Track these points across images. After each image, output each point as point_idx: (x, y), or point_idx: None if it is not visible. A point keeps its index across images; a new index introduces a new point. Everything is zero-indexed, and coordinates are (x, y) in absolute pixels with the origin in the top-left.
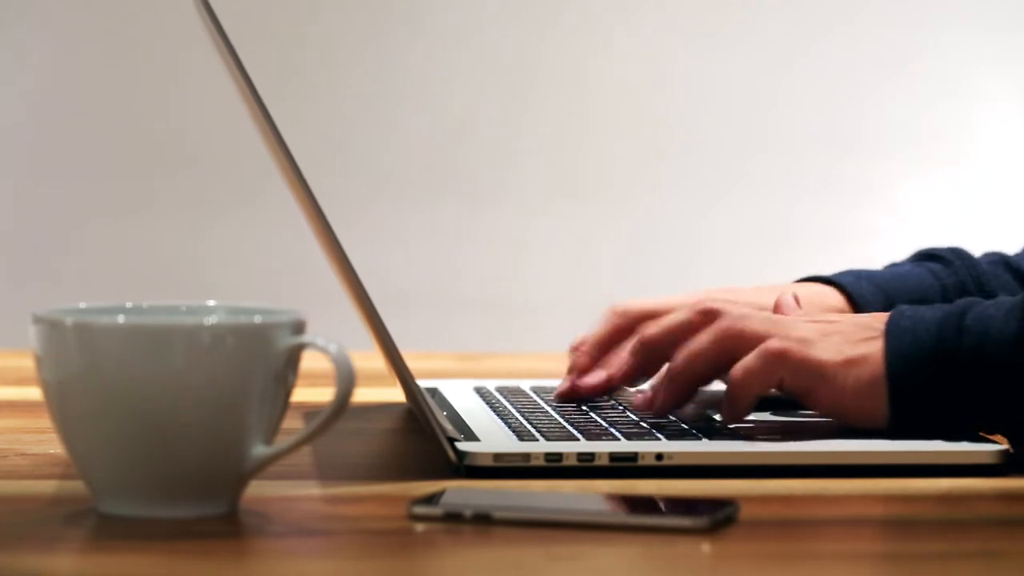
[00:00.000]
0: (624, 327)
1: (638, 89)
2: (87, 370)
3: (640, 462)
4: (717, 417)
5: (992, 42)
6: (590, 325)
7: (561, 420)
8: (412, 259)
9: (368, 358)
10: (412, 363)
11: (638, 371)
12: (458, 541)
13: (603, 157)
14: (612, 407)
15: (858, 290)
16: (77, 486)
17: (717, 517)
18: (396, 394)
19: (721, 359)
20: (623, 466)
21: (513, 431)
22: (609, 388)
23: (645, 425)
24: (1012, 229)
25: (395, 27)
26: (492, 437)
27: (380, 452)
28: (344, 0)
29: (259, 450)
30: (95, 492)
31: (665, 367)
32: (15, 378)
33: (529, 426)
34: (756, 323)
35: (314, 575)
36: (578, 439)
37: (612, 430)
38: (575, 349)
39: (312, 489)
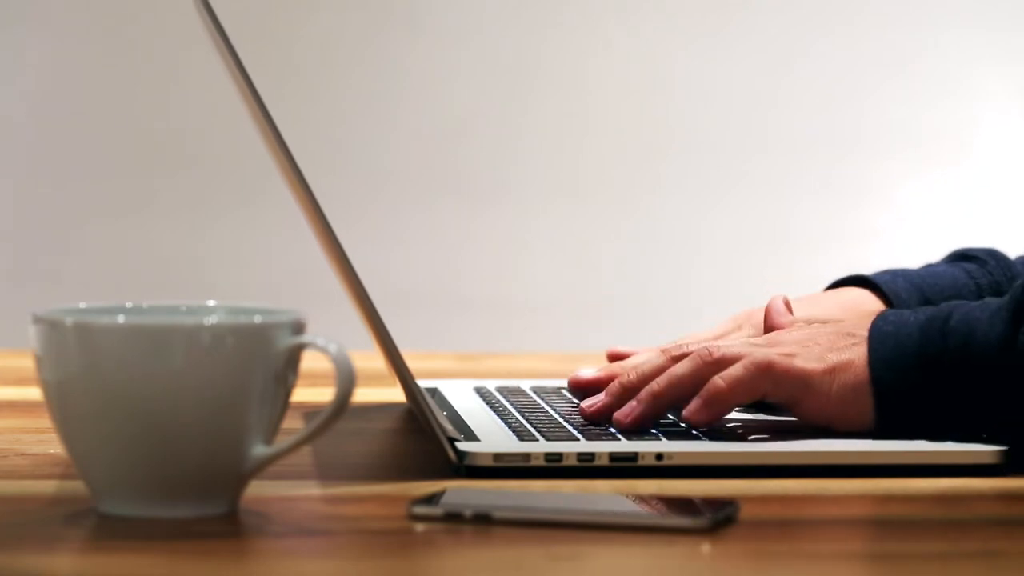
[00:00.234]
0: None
1: (638, 89)
2: (87, 370)
3: (640, 462)
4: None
5: (992, 42)
6: (589, 325)
7: (561, 420)
8: (412, 259)
9: (368, 358)
10: (412, 363)
11: (613, 411)
12: (458, 541)
13: (603, 157)
14: None
15: (894, 288)
16: (77, 486)
17: (717, 517)
18: (396, 394)
19: (702, 384)
20: (623, 466)
21: (513, 431)
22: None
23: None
24: (1012, 229)
25: (395, 27)
26: (492, 437)
27: (380, 452)
28: (344, 0)
29: (259, 450)
30: (95, 492)
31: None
32: (15, 378)
33: (529, 426)
34: (735, 347)
35: (314, 575)
36: (578, 439)
37: (612, 430)
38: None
39: (312, 489)
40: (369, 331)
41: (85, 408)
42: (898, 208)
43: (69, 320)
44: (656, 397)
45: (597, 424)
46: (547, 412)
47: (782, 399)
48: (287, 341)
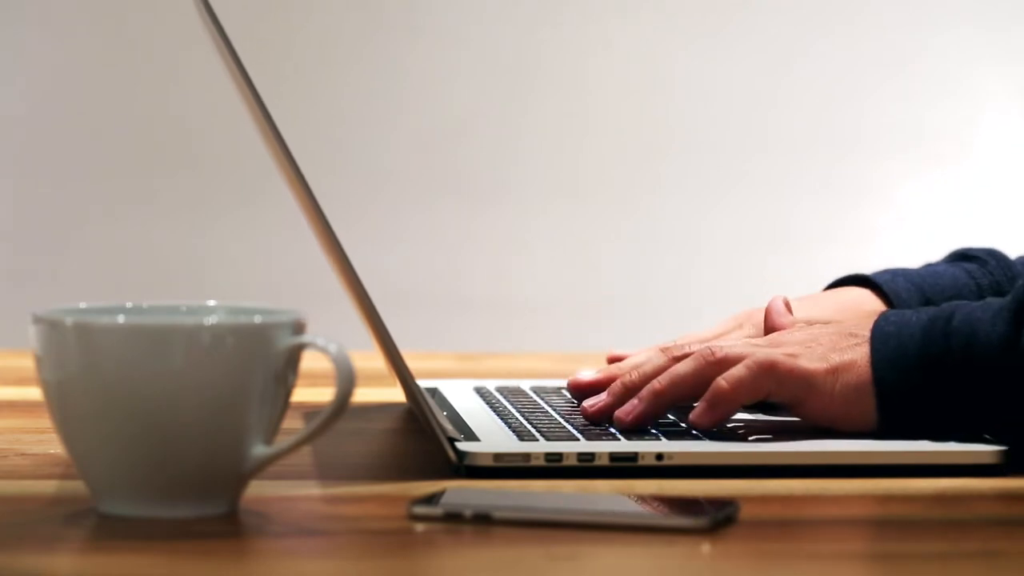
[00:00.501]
0: None
1: (638, 89)
2: (87, 370)
3: (640, 462)
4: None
5: (992, 42)
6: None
7: (561, 420)
8: (412, 259)
9: (368, 358)
10: (412, 363)
11: (614, 411)
12: (458, 541)
13: (603, 157)
14: None
15: (894, 288)
16: (77, 486)
17: (717, 517)
18: (396, 394)
19: (703, 384)
20: (623, 466)
21: (513, 431)
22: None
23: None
24: (1012, 229)
25: (395, 27)
26: (492, 437)
27: (380, 452)
28: (344, 0)
29: (259, 450)
30: (95, 492)
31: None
32: (15, 378)
33: (529, 426)
34: (738, 347)
35: (314, 575)
36: (578, 439)
37: (612, 430)
38: (612, 359)
39: (312, 489)
40: (369, 331)
41: (85, 408)
42: (898, 208)
43: (69, 320)
44: (657, 396)
45: (598, 424)
46: (547, 412)
47: (785, 399)
48: (287, 341)
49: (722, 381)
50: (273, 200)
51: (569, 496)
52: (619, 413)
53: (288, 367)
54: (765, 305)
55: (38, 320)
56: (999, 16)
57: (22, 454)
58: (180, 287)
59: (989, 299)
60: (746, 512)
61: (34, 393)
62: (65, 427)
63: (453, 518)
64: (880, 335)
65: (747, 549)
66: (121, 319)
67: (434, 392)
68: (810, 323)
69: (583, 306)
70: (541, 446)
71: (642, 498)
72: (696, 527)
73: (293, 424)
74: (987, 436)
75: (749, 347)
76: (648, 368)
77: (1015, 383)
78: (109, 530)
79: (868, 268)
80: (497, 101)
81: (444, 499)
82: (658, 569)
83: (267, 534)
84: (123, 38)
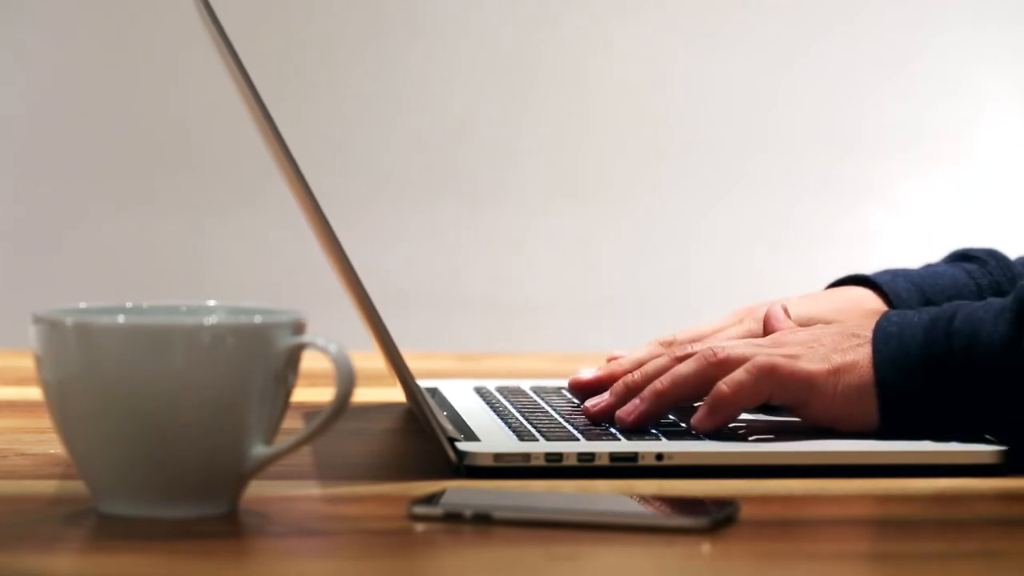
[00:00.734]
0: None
1: (638, 89)
2: (87, 370)
3: (640, 462)
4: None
5: (992, 42)
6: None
7: (561, 420)
8: (412, 259)
9: (368, 358)
10: (412, 363)
11: (616, 411)
12: (458, 541)
13: (603, 157)
14: None
15: (894, 288)
16: (77, 486)
17: (717, 517)
18: (396, 394)
19: (705, 385)
20: (623, 466)
21: (513, 431)
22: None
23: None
24: (1012, 229)
25: (395, 27)
26: (492, 437)
27: (380, 452)
28: (344, 0)
29: (259, 450)
30: (95, 492)
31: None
32: (15, 378)
33: (529, 426)
34: (740, 348)
35: (314, 575)
36: (578, 439)
37: (612, 430)
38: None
39: (312, 489)
40: (369, 331)
41: (85, 408)
42: (898, 208)
43: (69, 320)
44: (659, 396)
45: (600, 424)
46: (547, 412)
47: (787, 401)
48: (287, 341)
49: (723, 385)
50: (273, 200)
51: (569, 496)
52: (620, 413)
53: (288, 367)
54: (766, 303)
55: (38, 320)
56: (999, 16)
57: (22, 454)
58: (180, 287)
59: (991, 299)
60: (746, 512)
61: (34, 393)
62: (65, 427)
63: (453, 518)
64: (882, 335)
65: (747, 549)
66: (121, 319)
67: (434, 392)
68: (811, 322)
69: (583, 306)
70: (541, 446)
71: (642, 498)
72: (696, 527)
73: (293, 424)
74: (987, 436)
75: (751, 348)
76: (650, 368)
77: (1016, 383)
78: (109, 530)
79: (868, 268)
80: (497, 101)
81: (444, 499)
82: (658, 569)
83: (267, 534)
84: (123, 38)
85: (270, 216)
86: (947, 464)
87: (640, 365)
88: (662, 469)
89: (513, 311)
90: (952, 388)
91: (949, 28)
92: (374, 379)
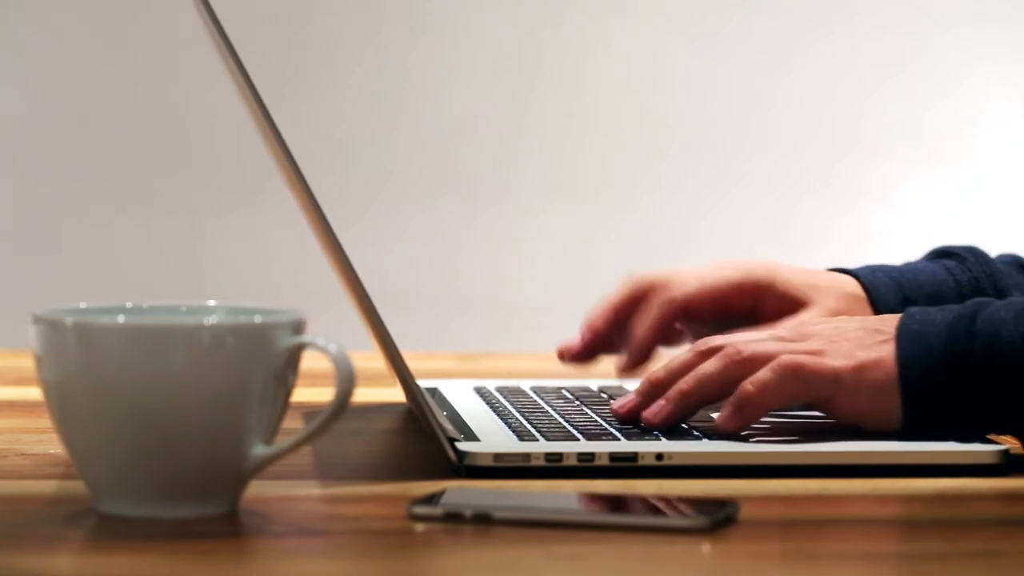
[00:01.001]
0: (637, 295)
1: (638, 89)
2: (87, 370)
3: (640, 462)
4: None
5: (992, 42)
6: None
7: (561, 420)
8: (412, 259)
9: (368, 358)
10: (412, 363)
11: (642, 410)
12: (458, 541)
13: (603, 157)
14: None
15: (873, 282)
16: (77, 486)
17: (717, 517)
18: (396, 394)
19: (730, 384)
20: (623, 466)
21: (513, 431)
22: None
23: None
24: (1012, 229)
25: (395, 27)
26: (492, 437)
27: (380, 452)
28: (344, 0)
29: (259, 450)
30: (95, 492)
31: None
32: (15, 378)
33: (529, 426)
34: (764, 344)
35: (314, 575)
36: (578, 439)
37: (612, 430)
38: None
39: (312, 489)
40: (369, 331)
41: (85, 408)
42: (898, 208)
43: (69, 320)
44: (684, 396)
45: (629, 424)
46: (547, 412)
47: (812, 399)
48: (287, 341)
49: (748, 385)
50: (273, 200)
51: (569, 496)
52: (646, 414)
53: (288, 367)
54: (655, 271)
55: (38, 320)
56: (999, 16)
57: (22, 454)
58: (180, 287)
59: (1013, 298)
60: (746, 512)
61: (34, 393)
62: (65, 427)
63: (453, 518)
64: (906, 333)
65: (747, 549)
66: (121, 319)
67: (434, 392)
68: (834, 314)
69: (583, 306)
70: (541, 446)
71: (642, 498)
72: (696, 527)
73: (293, 424)
74: (1009, 435)
75: (776, 344)
76: (675, 365)
77: None
78: (109, 530)
79: (886, 263)
80: (497, 101)
81: (444, 499)
82: (658, 569)
83: (267, 534)
84: (123, 38)
85: (270, 216)
86: (948, 464)
87: (616, 309)
88: (662, 469)
89: (513, 311)
90: (974, 387)
91: (949, 28)
92: (374, 379)
